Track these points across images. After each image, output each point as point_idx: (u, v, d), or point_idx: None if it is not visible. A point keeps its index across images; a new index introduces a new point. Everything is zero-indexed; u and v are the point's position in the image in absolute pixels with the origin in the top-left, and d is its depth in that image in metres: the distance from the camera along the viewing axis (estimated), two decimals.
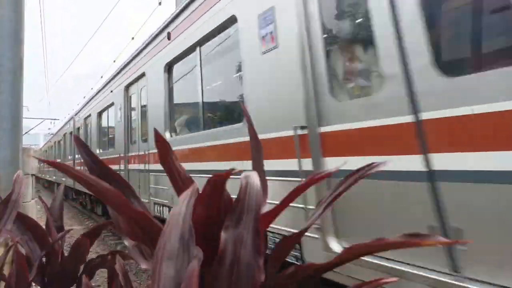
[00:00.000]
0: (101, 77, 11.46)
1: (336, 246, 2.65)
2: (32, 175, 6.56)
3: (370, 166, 1.18)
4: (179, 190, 1.46)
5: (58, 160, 22.20)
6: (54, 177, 23.56)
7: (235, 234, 1.17)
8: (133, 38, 11.79)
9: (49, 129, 48.55)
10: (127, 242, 1.56)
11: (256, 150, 1.55)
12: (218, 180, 1.21)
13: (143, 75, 6.66)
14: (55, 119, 43.34)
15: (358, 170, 1.21)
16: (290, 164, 2.92)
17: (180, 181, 1.44)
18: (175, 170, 1.42)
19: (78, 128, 14.52)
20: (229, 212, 1.24)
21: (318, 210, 1.29)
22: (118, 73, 8.46)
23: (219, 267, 1.14)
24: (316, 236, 2.82)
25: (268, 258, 1.33)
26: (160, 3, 10.64)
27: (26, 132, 47.91)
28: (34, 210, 5.75)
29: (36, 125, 48.73)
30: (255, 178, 1.27)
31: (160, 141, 1.36)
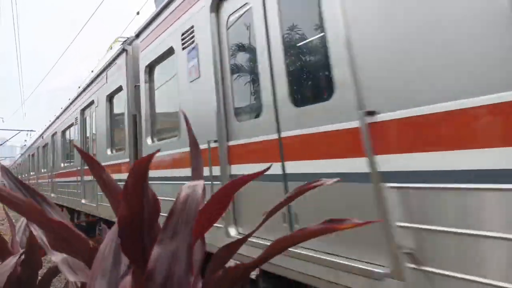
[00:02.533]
0: (79, 87, 11.01)
1: (234, 232, 3.42)
2: None
3: (315, 181, 1.24)
4: (108, 197, 1.51)
5: (32, 173, 21.12)
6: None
7: (168, 250, 1.11)
8: (111, 48, 11.04)
9: (25, 140, 43.00)
10: (53, 257, 1.50)
11: (196, 158, 1.59)
12: (138, 169, 1.16)
13: (92, 102, 7.97)
14: (31, 131, 39.43)
15: (303, 186, 1.26)
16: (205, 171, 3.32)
17: (106, 189, 1.48)
18: (104, 180, 1.46)
19: (46, 144, 15.26)
20: (164, 224, 1.17)
21: (264, 217, 1.28)
22: (77, 98, 9.83)
23: (150, 282, 1.09)
24: (221, 225, 3.54)
25: (208, 264, 1.28)
26: (138, 13, 10.30)
27: (1, 144, 46.79)
28: None
29: (12, 137, 47.29)
30: (198, 188, 1.20)
31: (88, 158, 1.46)
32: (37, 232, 1.56)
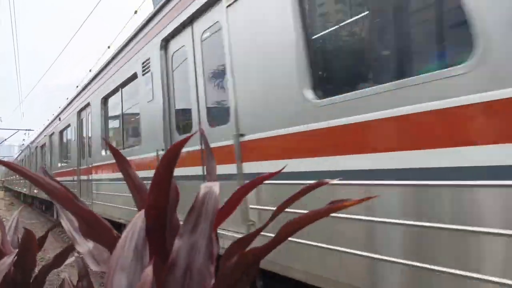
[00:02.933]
0: (77, 86, 10.82)
1: None
2: None
3: (318, 183, 1.30)
4: (133, 195, 1.53)
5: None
6: (24, 189, 21.58)
7: (190, 242, 1.19)
8: (109, 47, 11.27)
9: (23, 140, 40.34)
10: (79, 248, 1.56)
11: (210, 159, 1.71)
12: (169, 158, 1.23)
13: (88, 104, 8.26)
14: (29, 130, 37.28)
15: (307, 187, 1.29)
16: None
17: (134, 187, 1.53)
18: (130, 177, 1.52)
19: (44, 144, 15.57)
20: (185, 219, 1.22)
21: (273, 214, 1.30)
22: (73, 99, 10.01)
23: (171, 273, 1.16)
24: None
25: (222, 257, 1.32)
26: (136, 12, 10.67)
27: None
28: None
29: (10, 136, 37.66)
30: (215, 188, 1.27)
31: (116, 153, 1.50)
32: (66, 225, 1.63)
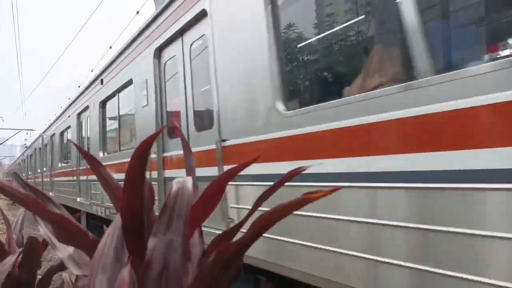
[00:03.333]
0: (79, 87, 10.81)
1: None
2: None
3: (294, 171, 1.30)
4: (108, 193, 1.54)
5: (30, 173, 21.37)
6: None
7: (164, 240, 1.17)
8: (110, 47, 11.28)
9: (25, 140, 40.07)
10: (59, 253, 1.55)
11: (188, 158, 1.72)
12: (138, 157, 1.19)
13: (87, 107, 8.41)
14: (31, 130, 36.99)
15: (280, 180, 1.31)
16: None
17: (109, 188, 1.53)
18: (104, 179, 1.52)
19: (46, 144, 15.44)
20: (158, 217, 1.19)
21: (252, 208, 1.31)
22: (73, 102, 10.14)
23: (147, 274, 1.14)
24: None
25: (205, 253, 1.32)
26: (138, 12, 10.47)
27: (1, 143, 47.07)
28: None
29: (11, 136, 37.32)
30: (188, 183, 1.25)
31: (88, 157, 1.52)
32: (44, 229, 1.61)
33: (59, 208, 1.64)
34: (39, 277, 2.37)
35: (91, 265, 1.20)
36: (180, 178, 1.30)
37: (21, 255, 2.23)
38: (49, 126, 14.46)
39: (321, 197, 1.17)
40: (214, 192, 1.33)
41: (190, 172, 1.65)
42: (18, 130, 39.53)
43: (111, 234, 1.27)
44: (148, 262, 1.14)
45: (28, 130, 39.25)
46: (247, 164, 1.32)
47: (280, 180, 1.27)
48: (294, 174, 1.29)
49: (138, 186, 1.25)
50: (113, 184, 1.52)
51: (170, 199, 1.22)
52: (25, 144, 37.50)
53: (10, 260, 2.07)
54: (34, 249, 2.20)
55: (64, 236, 1.43)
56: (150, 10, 5.78)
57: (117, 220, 1.26)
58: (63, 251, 1.56)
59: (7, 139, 40.36)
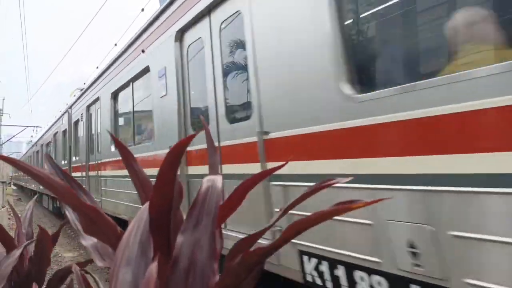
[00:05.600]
0: (84, 83, 10.91)
1: None
2: (3, 182, 5.89)
3: (326, 181, 1.26)
4: (138, 191, 1.49)
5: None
6: (33, 185, 21.05)
7: (192, 238, 1.15)
8: (116, 45, 10.80)
9: (31, 136, 41.11)
10: (84, 242, 1.52)
11: (212, 157, 1.63)
12: (173, 155, 1.16)
13: (98, 99, 8.09)
14: (37, 127, 38.26)
15: (316, 185, 1.27)
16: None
17: (139, 183, 1.49)
18: (135, 173, 1.48)
19: (53, 141, 15.01)
20: (187, 214, 1.18)
21: (278, 214, 1.30)
22: (81, 95, 9.80)
23: (174, 271, 1.12)
24: None
25: (226, 256, 1.29)
26: (143, 10, 10.42)
27: (8, 140, 47.56)
28: (5, 217, 4.71)
29: (18, 133, 38.54)
30: (217, 182, 1.24)
31: (122, 148, 1.44)
32: (71, 216, 1.62)
33: (90, 198, 1.66)
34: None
35: (116, 257, 1.17)
36: (210, 176, 1.31)
37: (29, 247, 2.27)
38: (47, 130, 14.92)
39: (362, 207, 1.14)
40: (241, 194, 1.32)
41: (212, 169, 1.63)
42: (25, 127, 39.98)
43: (135, 227, 1.22)
44: (176, 258, 1.15)
45: (34, 127, 39.65)
46: (281, 166, 1.33)
47: (309, 192, 1.28)
48: (323, 187, 1.29)
49: (169, 185, 1.26)
50: (142, 178, 1.52)
51: (200, 197, 1.23)
52: (31, 141, 37.92)
53: (15, 253, 2.08)
54: (44, 242, 2.23)
55: (93, 228, 1.43)
56: (154, 8, 5.59)
57: (142, 213, 1.24)
58: (89, 240, 1.56)
59: (13, 136, 41.02)
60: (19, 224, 2.60)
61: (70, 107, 11.23)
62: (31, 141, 38.94)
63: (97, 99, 8.03)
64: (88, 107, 8.85)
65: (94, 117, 8.48)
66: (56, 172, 1.67)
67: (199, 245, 1.17)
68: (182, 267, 1.16)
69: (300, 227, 1.19)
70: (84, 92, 9.72)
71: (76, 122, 10.67)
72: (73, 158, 11.02)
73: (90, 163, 8.54)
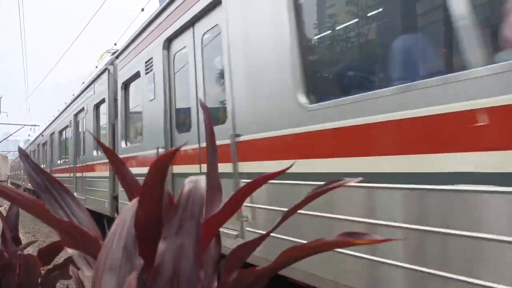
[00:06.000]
0: (83, 82, 10.80)
1: None
2: (1, 181, 7.94)
3: (329, 183, 1.23)
4: (125, 190, 1.48)
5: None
6: (29, 184, 26.51)
7: (174, 245, 1.08)
8: (115, 44, 10.84)
9: (28, 135, 39.89)
10: (69, 250, 1.44)
11: (212, 154, 1.59)
12: (159, 167, 1.09)
13: (83, 109, 8.50)
14: (35, 125, 37.22)
15: (318, 188, 1.24)
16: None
17: (125, 183, 1.48)
18: (122, 173, 1.46)
19: (45, 142, 15.83)
20: (167, 220, 1.11)
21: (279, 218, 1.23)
22: (70, 104, 10.51)
23: (157, 280, 1.06)
24: None
25: (224, 262, 1.24)
26: (142, 10, 10.18)
27: (5, 138, 47.37)
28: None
29: (15, 131, 37.51)
30: (201, 183, 1.17)
31: (108, 152, 1.44)
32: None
33: (77, 204, 1.61)
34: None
35: (97, 262, 1.12)
36: (193, 177, 1.23)
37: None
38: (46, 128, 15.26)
39: (366, 244, 1.13)
40: (236, 201, 1.26)
41: (211, 168, 1.58)
42: (22, 126, 39.63)
43: (118, 231, 1.19)
44: (158, 267, 1.07)
45: (32, 125, 39.26)
46: (268, 177, 1.25)
47: (318, 192, 1.27)
48: (333, 187, 1.26)
49: (155, 197, 1.19)
50: (129, 179, 1.50)
51: (181, 200, 1.15)
52: (28, 140, 37.66)
53: None
54: (32, 268, 2.15)
55: (72, 242, 1.36)
56: (154, 8, 5.61)
57: (124, 215, 1.20)
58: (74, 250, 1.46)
59: (10, 134, 40.75)
60: (6, 229, 2.48)
61: (59, 114, 12.57)
62: (28, 139, 38.69)
63: (83, 108, 8.79)
64: (76, 115, 9.59)
65: (81, 125, 9.12)
66: (34, 171, 1.54)
67: (182, 252, 1.09)
68: (165, 275, 1.07)
69: (301, 253, 1.15)
70: (68, 105, 10.91)
71: (46, 142, 12.81)
72: (59, 161, 12.41)
73: (77, 165, 9.23)
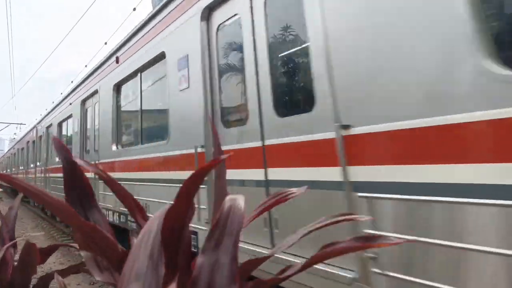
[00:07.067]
0: (71, 82, 10.89)
1: None
2: None
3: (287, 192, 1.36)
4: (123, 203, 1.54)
5: (21, 168, 20.32)
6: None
7: (212, 259, 1.13)
8: (106, 43, 11.55)
9: (14, 134, 41.60)
10: (82, 253, 1.48)
11: (221, 167, 1.60)
12: (186, 191, 1.18)
13: (96, 92, 7.65)
14: (21, 124, 38.07)
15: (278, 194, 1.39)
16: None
17: (122, 198, 1.52)
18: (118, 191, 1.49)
19: (40, 137, 14.38)
20: (208, 235, 1.19)
21: (293, 237, 1.33)
22: (76, 88, 9.24)
23: None
24: (206, 228, 3.64)
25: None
26: (134, 9, 10.13)
27: None
28: None
29: (0, 130, 46.61)
30: (240, 201, 1.23)
31: (104, 176, 1.46)
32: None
33: (97, 209, 1.60)
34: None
35: (124, 271, 1.15)
36: (232, 196, 1.29)
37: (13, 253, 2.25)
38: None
39: (381, 246, 1.21)
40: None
41: (220, 176, 1.63)
42: (8, 124, 39.31)
43: (145, 240, 1.19)
44: (195, 278, 1.16)
45: (18, 124, 39.20)
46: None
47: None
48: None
49: (183, 211, 1.27)
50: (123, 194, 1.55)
51: (222, 217, 1.22)
52: (14, 138, 37.17)
53: None
54: (30, 256, 2.07)
55: (91, 246, 1.39)
56: (146, 8, 7.31)
57: (151, 225, 1.22)
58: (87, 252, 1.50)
59: None
60: (4, 227, 2.51)
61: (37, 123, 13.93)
62: (14, 138, 37.92)
63: (96, 91, 7.71)
64: (84, 101, 8.67)
65: (91, 113, 8.24)
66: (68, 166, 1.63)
67: (219, 266, 1.16)
68: (203, 287, 1.16)
69: (316, 260, 1.24)
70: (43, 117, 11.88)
71: (41, 137, 13.49)
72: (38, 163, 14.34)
73: (48, 167, 9.58)
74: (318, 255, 1.23)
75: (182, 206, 1.24)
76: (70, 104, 9.67)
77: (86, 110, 8.49)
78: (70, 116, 9.82)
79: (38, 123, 15.32)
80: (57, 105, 11.84)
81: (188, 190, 1.21)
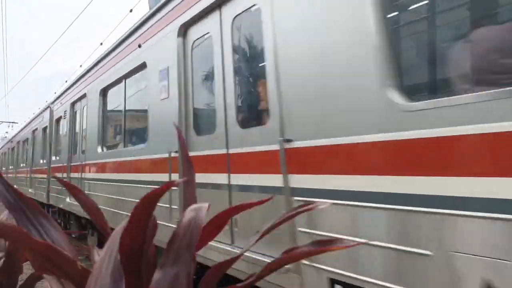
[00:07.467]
0: (66, 81, 10.74)
1: None
2: None
3: (308, 204, 1.34)
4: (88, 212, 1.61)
5: (11, 167, 20.34)
6: (15, 186, 25.08)
7: (171, 273, 1.12)
8: (101, 44, 11.10)
9: (6, 132, 39.93)
10: (46, 277, 1.42)
11: (187, 167, 1.59)
12: (137, 217, 1.14)
13: (84, 95, 7.87)
14: (13, 122, 38.27)
15: (299, 207, 1.36)
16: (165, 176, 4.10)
17: (87, 209, 1.60)
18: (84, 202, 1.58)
19: (27, 139, 14.83)
20: (166, 249, 1.16)
21: (254, 238, 1.31)
22: (66, 91, 9.49)
23: None
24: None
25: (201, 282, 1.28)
26: (131, 10, 10.12)
27: None
28: None
29: None
30: (202, 211, 1.20)
31: (71, 187, 1.59)
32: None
33: (52, 225, 1.52)
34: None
35: (87, 285, 1.16)
36: (195, 205, 1.28)
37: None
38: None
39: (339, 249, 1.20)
40: (219, 224, 1.36)
41: (188, 186, 1.59)
42: (0, 122, 38.84)
43: (107, 257, 1.22)
44: None
45: (10, 122, 38.53)
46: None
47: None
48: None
49: (141, 228, 1.23)
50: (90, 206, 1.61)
51: (181, 229, 1.20)
52: (5, 137, 36.98)
53: None
54: (14, 257, 2.11)
55: (47, 266, 1.32)
56: (143, 9, 6.27)
57: (112, 241, 1.23)
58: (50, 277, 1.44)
59: None
60: None
61: (22, 129, 15.29)
62: (5, 136, 37.71)
63: (84, 95, 8.07)
64: (73, 104, 8.96)
65: (79, 115, 8.59)
66: (6, 191, 1.53)
67: (178, 280, 1.15)
68: None
69: (280, 263, 1.28)
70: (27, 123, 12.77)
71: (26, 140, 14.60)
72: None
73: (72, 164, 8.72)
74: (282, 258, 1.25)
75: (139, 227, 1.19)
76: (61, 104, 9.87)
77: (75, 112, 8.67)
78: (59, 119, 10.02)
79: (27, 124, 15.54)
80: (44, 109, 12.18)
81: (138, 217, 1.17)
